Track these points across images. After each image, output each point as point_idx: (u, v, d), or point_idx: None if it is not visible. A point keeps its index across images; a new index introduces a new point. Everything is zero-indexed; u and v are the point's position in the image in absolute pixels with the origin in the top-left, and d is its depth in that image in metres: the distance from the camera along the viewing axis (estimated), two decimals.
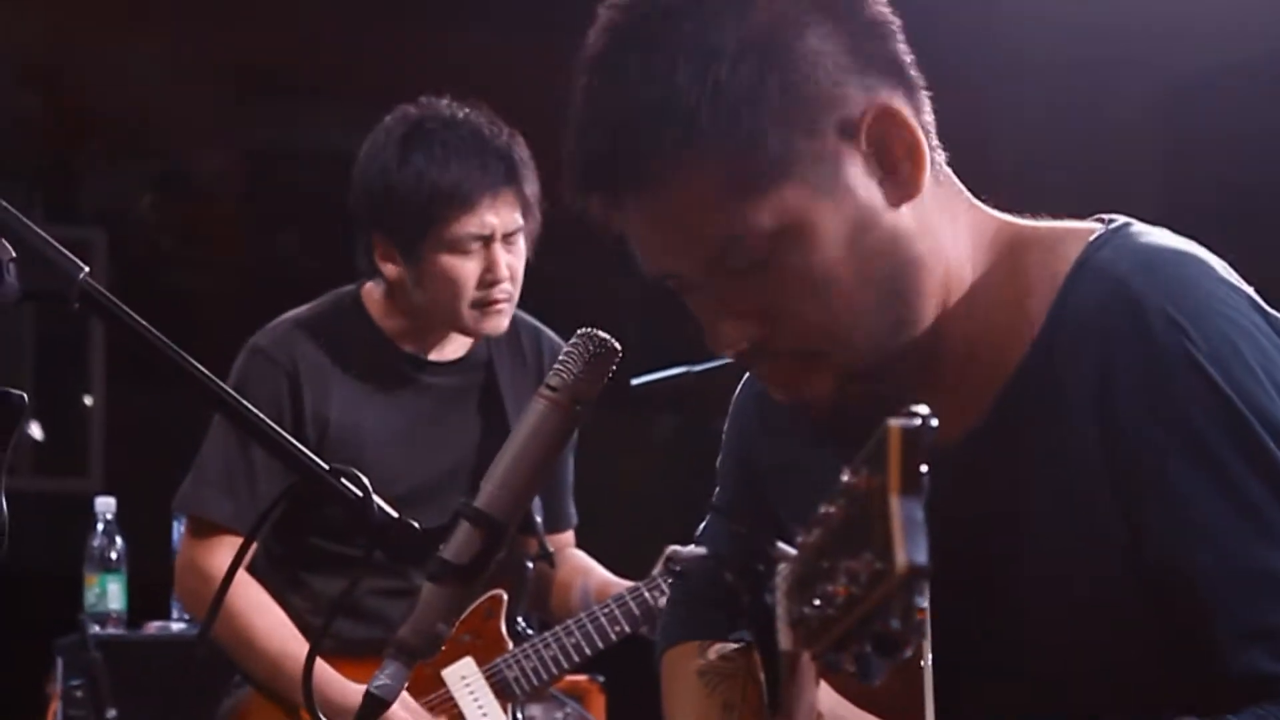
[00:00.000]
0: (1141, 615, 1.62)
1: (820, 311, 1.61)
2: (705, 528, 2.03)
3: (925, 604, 1.17)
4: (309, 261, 6.12)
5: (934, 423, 1.17)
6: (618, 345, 1.65)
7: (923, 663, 1.59)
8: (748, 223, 1.58)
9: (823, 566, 1.27)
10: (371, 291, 3.42)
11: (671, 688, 1.94)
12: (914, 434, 1.18)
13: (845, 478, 1.24)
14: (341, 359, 3.35)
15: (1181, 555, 1.59)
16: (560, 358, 1.65)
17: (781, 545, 1.40)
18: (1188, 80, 7.16)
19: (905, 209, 1.63)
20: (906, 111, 1.62)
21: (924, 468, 1.17)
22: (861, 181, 1.61)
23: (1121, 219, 1.72)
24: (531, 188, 3.29)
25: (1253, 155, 6.82)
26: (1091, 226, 1.71)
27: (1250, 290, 1.68)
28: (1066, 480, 1.63)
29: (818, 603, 1.28)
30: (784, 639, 1.38)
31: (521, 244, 3.31)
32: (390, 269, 3.32)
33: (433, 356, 3.40)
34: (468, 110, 3.32)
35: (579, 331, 1.65)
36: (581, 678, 3.97)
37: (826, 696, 1.45)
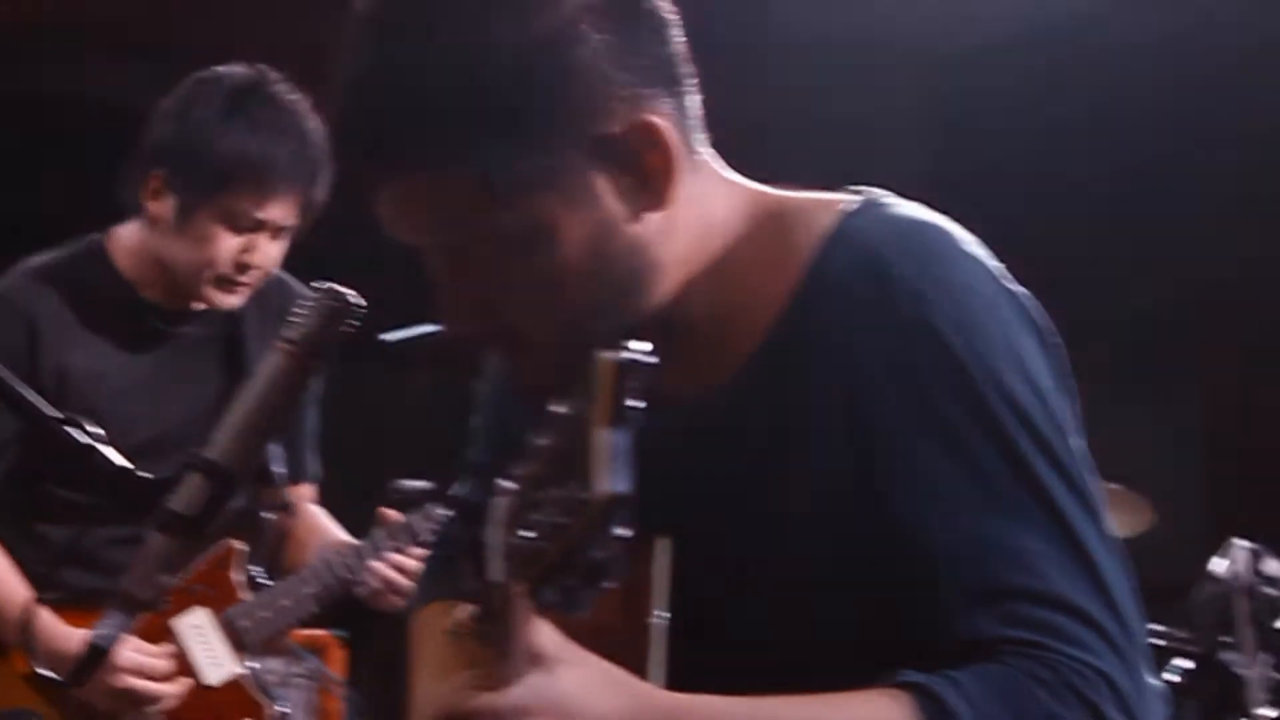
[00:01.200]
0: (880, 578, 1.65)
1: (548, 309, 1.64)
2: (460, 486, 2.04)
3: (627, 533, 1.18)
4: (52, 209, 5.99)
5: (651, 360, 1.18)
6: (356, 299, 1.64)
7: (654, 617, 1.61)
8: (495, 224, 1.59)
9: (535, 497, 1.28)
10: (117, 239, 3.36)
11: (420, 647, 1.93)
12: (624, 367, 1.19)
13: (559, 409, 1.25)
14: (83, 307, 3.30)
15: (915, 520, 1.63)
16: (297, 310, 1.64)
17: (503, 481, 1.41)
18: (956, 59, 7.30)
19: (651, 216, 1.65)
20: (668, 123, 1.64)
21: (635, 401, 1.18)
22: (612, 194, 1.63)
23: (874, 191, 1.75)
24: (321, 194, 3.27)
25: (1019, 132, 6.97)
26: (844, 198, 1.74)
27: (996, 264, 1.72)
28: (811, 444, 1.67)
29: (528, 533, 1.29)
30: (495, 570, 1.38)
31: (286, 241, 3.29)
32: (156, 207, 3.26)
33: (177, 307, 3.36)
34: (299, 97, 3.27)
35: (316, 285, 1.64)
36: (321, 632, 3.94)
37: (553, 638, 1.45)
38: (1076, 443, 1.68)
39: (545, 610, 1.38)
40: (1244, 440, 9.46)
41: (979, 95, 7.49)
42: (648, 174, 1.64)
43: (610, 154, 1.62)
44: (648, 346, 1.19)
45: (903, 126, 7.35)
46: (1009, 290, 1.70)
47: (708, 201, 1.71)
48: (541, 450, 1.29)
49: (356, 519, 3.57)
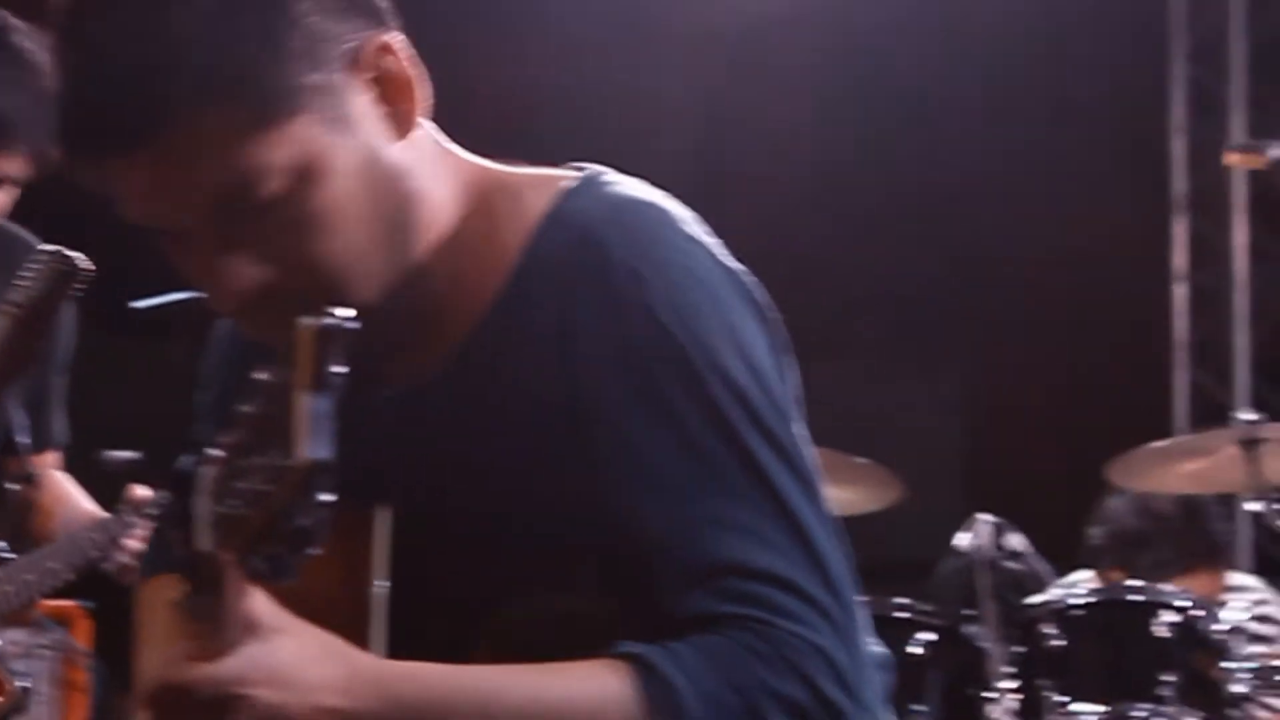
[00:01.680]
0: (598, 555, 1.67)
1: (333, 249, 1.62)
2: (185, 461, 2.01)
3: (331, 499, 1.18)
4: None
5: (353, 325, 1.18)
6: (85, 263, 1.62)
7: (374, 587, 1.61)
8: (260, 161, 1.57)
9: (240, 465, 1.28)
10: None
11: (146, 619, 1.91)
12: (325, 332, 1.19)
13: (263, 376, 1.25)
14: None
15: (632, 499, 1.64)
16: (23, 274, 1.62)
17: (209, 449, 1.40)
18: (727, 37, 7.34)
19: (403, 145, 1.65)
20: (398, 47, 1.65)
21: (338, 367, 1.18)
22: (367, 114, 1.63)
23: (594, 168, 1.76)
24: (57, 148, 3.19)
25: (789, 110, 7.04)
26: (564, 174, 1.75)
27: (715, 243, 1.73)
28: (528, 424, 1.67)
29: (234, 502, 1.29)
30: (203, 540, 1.38)
31: (15, 191, 3.22)
32: None
33: None
34: (38, 46, 3.19)
35: (43, 248, 1.62)
36: (67, 603, 3.89)
37: (268, 608, 1.45)
38: (795, 421, 1.71)
39: (255, 579, 1.38)
40: (1000, 419, 9.66)
41: (749, 73, 7.55)
42: (394, 93, 1.64)
43: (357, 70, 1.62)
44: (350, 312, 1.19)
45: (673, 105, 7.39)
46: (727, 269, 1.72)
47: (432, 175, 1.71)
48: (246, 418, 1.29)
49: (114, 489, 3.52)
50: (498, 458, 1.68)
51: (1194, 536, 4.48)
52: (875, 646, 1.73)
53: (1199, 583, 4.43)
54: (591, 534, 1.65)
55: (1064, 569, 4.67)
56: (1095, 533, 4.61)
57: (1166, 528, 4.48)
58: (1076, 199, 8.50)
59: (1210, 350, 8.01)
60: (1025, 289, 8.86)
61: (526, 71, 6.01)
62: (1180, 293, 8.06)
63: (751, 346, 1.69)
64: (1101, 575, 4.56)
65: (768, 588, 1.61)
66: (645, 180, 1.76)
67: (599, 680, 1.59)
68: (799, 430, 1.71)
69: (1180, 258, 8.06)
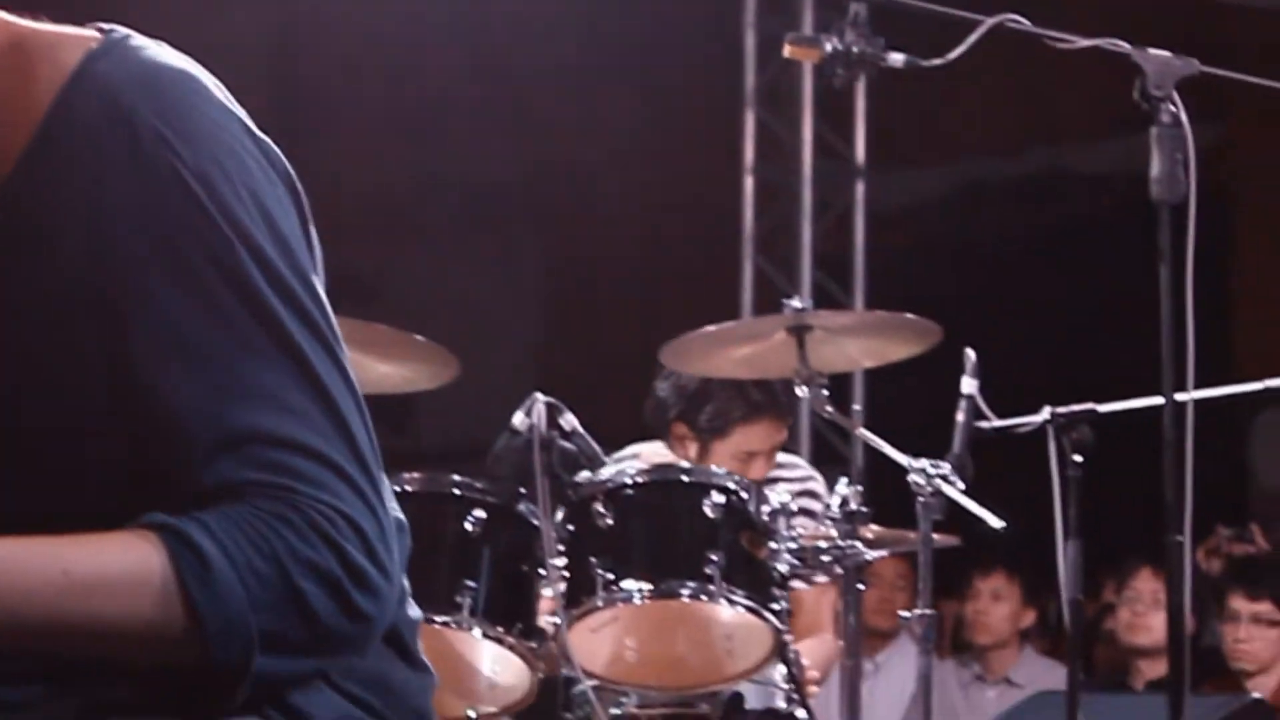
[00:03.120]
0: (124, 424, 1.64)
1: None
2: None
3: None
4: None
5: None
6: None
7: None
8: None
9: None
10: None
11: None
12: None
13: None
14: None
15: (156, 367, 1.62)
16: None
17: None
18: None
19: None
20: None
21: None
22: None
23: (121, 30, 1.72)
24: None
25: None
26: (92, 35, 1.70)
27: (244, 113, 1.71)
28: (51, 294, 1.64)
29: None
30: None
31: None
32: None
33: None
34: None
35: None
36: None
37: None
38: (320, 291, 1.71)
39: None
40: (576, 304, 9.75)
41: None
42: None
43: None
44: None
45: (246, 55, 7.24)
46: (256, 138, 1.71)
47: None
48: None
49: None
50: (18, 320, 1.65)
51: (756, 387, 4.58)
52: (395, 513, 1.75)
53: (760, 432, 4.53)
54: (117, 402, 1.63)
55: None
56: (661, 386, 4.68)
57: (729, 379, 4.57)
58: (655, 91, 8.60)
59: (776, 241, 8.22)
60: (603, 178, 8.96)
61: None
62: (749, 185, 8.24)
63: (277, 215, 1.68)
64: (666, 432, 4.64)
65: (293, 455, 1.62)
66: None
67: (127, 548, 1.58)
68: (324, 300, 1.71)
69: (749, 151, 8.23)
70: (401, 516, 1.77)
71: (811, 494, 4.72)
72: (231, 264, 1.63)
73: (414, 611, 1.84)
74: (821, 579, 4.58)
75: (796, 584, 4.52)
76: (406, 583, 1.80)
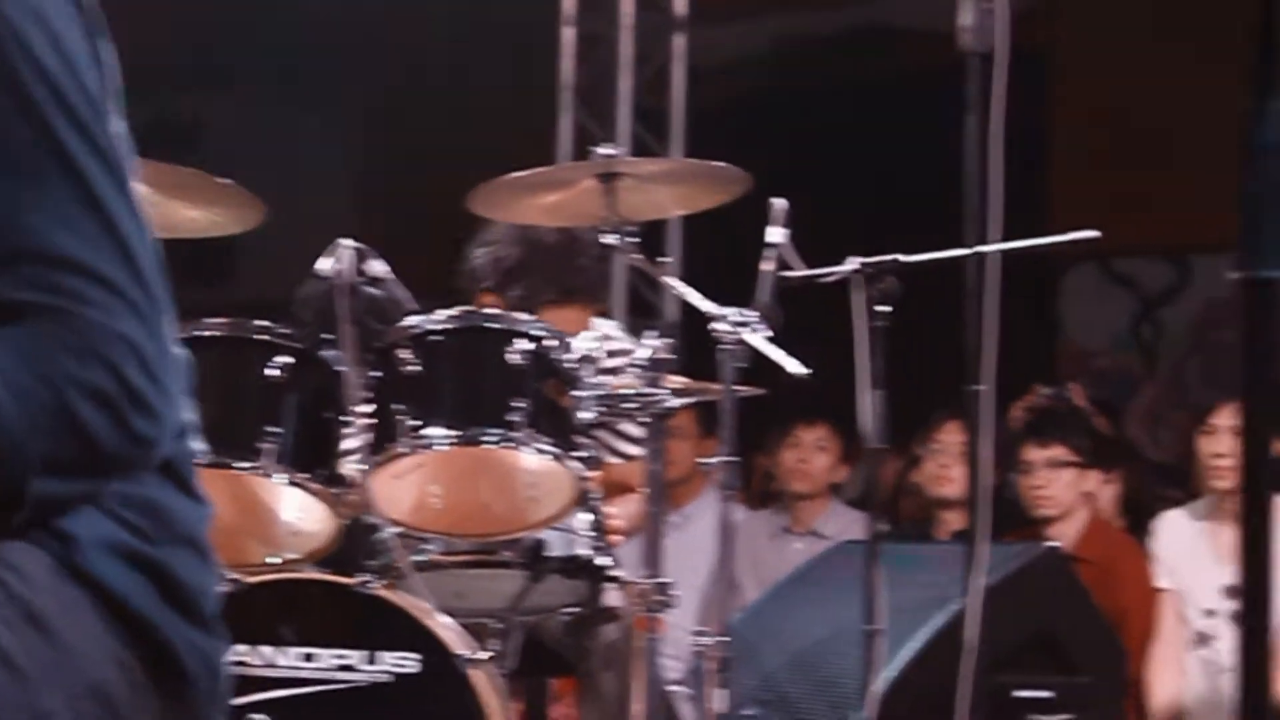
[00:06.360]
0: None
1: None
2: None
3: None
4: None
5: None
6: None
7: None
8: None
9: None
10: None
11: None
12: None
13: None
14: None
15: None
16: None
17: None
18: None
19: None
20: None
21: None
22: None
23: None
24: None
25: None
26: None
27: None
28: None
29: None
30: None
31: None
32: None
33: None
34: None
35: None
36: None
37: None
38: (110, 114, 1.68)
39: None
40: (387, 154, 9.68)
41: None
42: None
43: None
44: None
45: None
46: None
47: None
48: None
49: None
50: None
51: (569, 271, 4.56)
52: (178, 348, 1.73)
53: (569, 316, 4.52)
54: None
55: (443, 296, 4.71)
56: (476, 254, 4.65)
57: (544, 259, 4.55)
58: None
59: (594, 94, 8.17)
60: (421, 26, 8.84)
61: None
62: (568, 36, 8.17)
63: (64, 36, 1.64)
64: (473, 298, 4.61)
65: (72, 276, 1.60)
66: None
67: None
68: (115, 123, 1.68)
69: (569, 2, 8.16)
70: (184, 352, 1.75)
71: (616, 352, 4.72)
72: (15, 84, 1.60)
73: (195, 445, 1.82)
74: (633, 450, 4.58)
75: (611, 458, 4.54)
76: (191, 417, 1.78)
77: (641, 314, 7.48)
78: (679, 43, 8.25)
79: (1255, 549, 1.91)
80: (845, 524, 6.50)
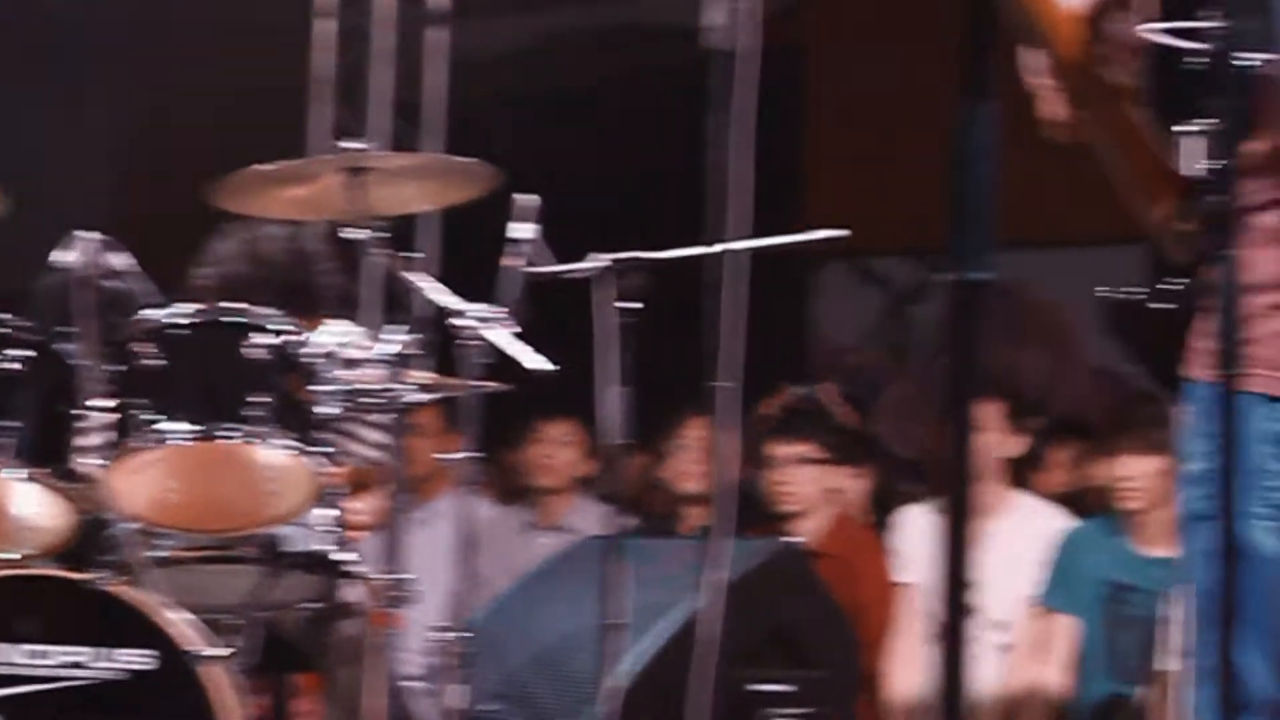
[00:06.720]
0: None
1: None
2: None
3: None
4: None
5: None
6: None
7: None
8: None
9: None
10: None
11: None
12: None
13: None
14: None
15: None
16: None
17: None
18: None
19: None
20: None
21: None
22: None
23: None
24: None
25: None
26: None
27: None
28: None
29: None
30: None
31: None
32: None
33: None
34: None
35: None
36: None
37: None
38: None
39: None
40: (150, 149, 9.54)
41: None
42: None
43: None
44: None
45: None
46: None
47: None
48: None
49: None
50: None
51: (298, 288, 4.53)
52: None
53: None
54: None
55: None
56: (204, 273, 4.60)
57: (271, 276, 4.51)
58: None
59: (350, 87, 8.11)
60: (176, 14, 8.73)
61: None
62: (323, 28, 8.10)
63: None
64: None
65: None
66: None
67: None
68: None
69: None
70: None
71: (362, 348, 4.69)
72: None
73: None
74: (376, 446, 4.56)
75: (354, 453, 4.52)
76: None
77: (400, 310, 7.43)
78: (438, 36, 8.19)
79: (956, 543, 1.97)
80: (593, 519, 6.52)
